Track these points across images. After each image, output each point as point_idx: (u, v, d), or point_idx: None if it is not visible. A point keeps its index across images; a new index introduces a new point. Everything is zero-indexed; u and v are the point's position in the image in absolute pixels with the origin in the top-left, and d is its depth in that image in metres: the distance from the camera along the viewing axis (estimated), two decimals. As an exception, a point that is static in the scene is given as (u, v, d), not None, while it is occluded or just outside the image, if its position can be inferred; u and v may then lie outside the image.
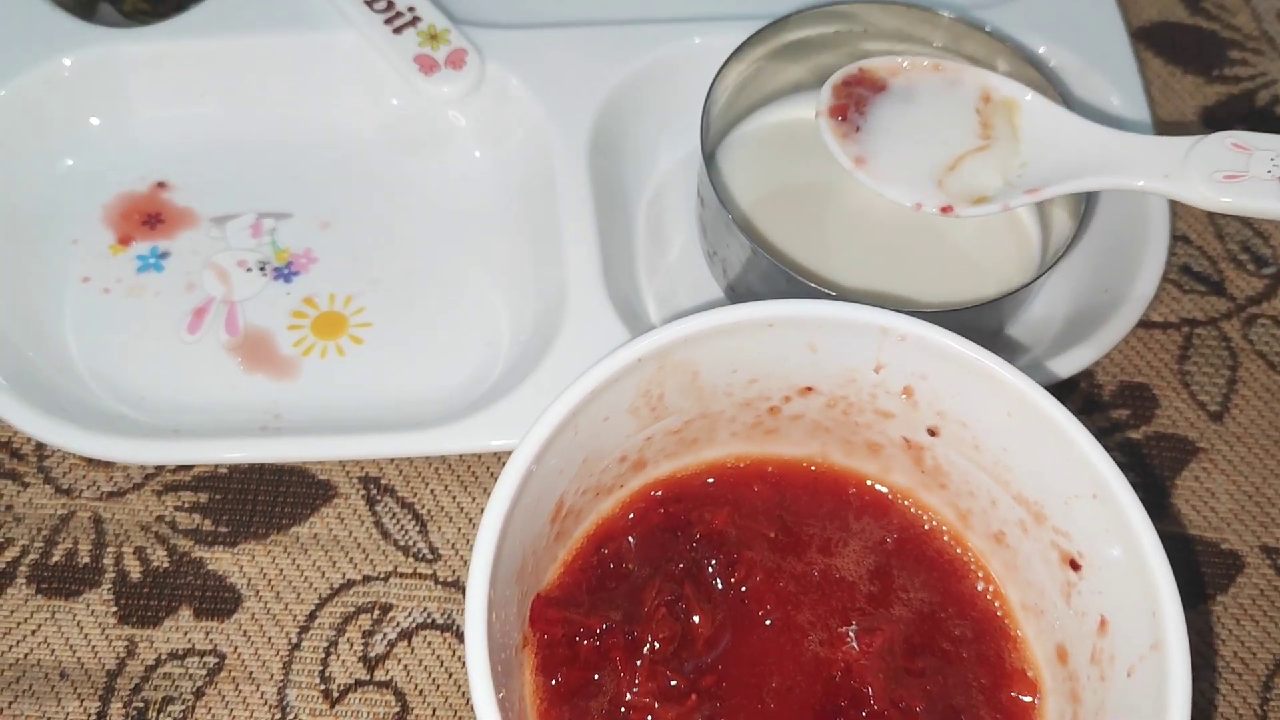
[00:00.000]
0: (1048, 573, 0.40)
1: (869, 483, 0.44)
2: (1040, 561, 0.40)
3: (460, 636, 0.45)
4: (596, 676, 0.39)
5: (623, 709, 0.38)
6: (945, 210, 0.47)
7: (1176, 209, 0.54)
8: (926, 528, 0.43)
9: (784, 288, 0.46)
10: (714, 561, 0.41)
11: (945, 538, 0.43)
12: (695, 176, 0.52)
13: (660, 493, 0.43)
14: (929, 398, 0.40)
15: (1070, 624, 0.39)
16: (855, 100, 0.49)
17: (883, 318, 0.38)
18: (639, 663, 0.39)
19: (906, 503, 0.43)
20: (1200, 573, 0.47)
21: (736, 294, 0.50)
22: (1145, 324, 0.53)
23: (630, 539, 0.42)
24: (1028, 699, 0.40)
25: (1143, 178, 0.45)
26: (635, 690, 0.38)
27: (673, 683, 0.39)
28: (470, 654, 0.32)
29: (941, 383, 0.40)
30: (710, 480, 0.44)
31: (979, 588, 0.42)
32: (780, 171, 0.52)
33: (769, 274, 0.46)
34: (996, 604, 0.42)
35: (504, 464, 0.35)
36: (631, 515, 0.43)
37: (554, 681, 0.39)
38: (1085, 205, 0.48)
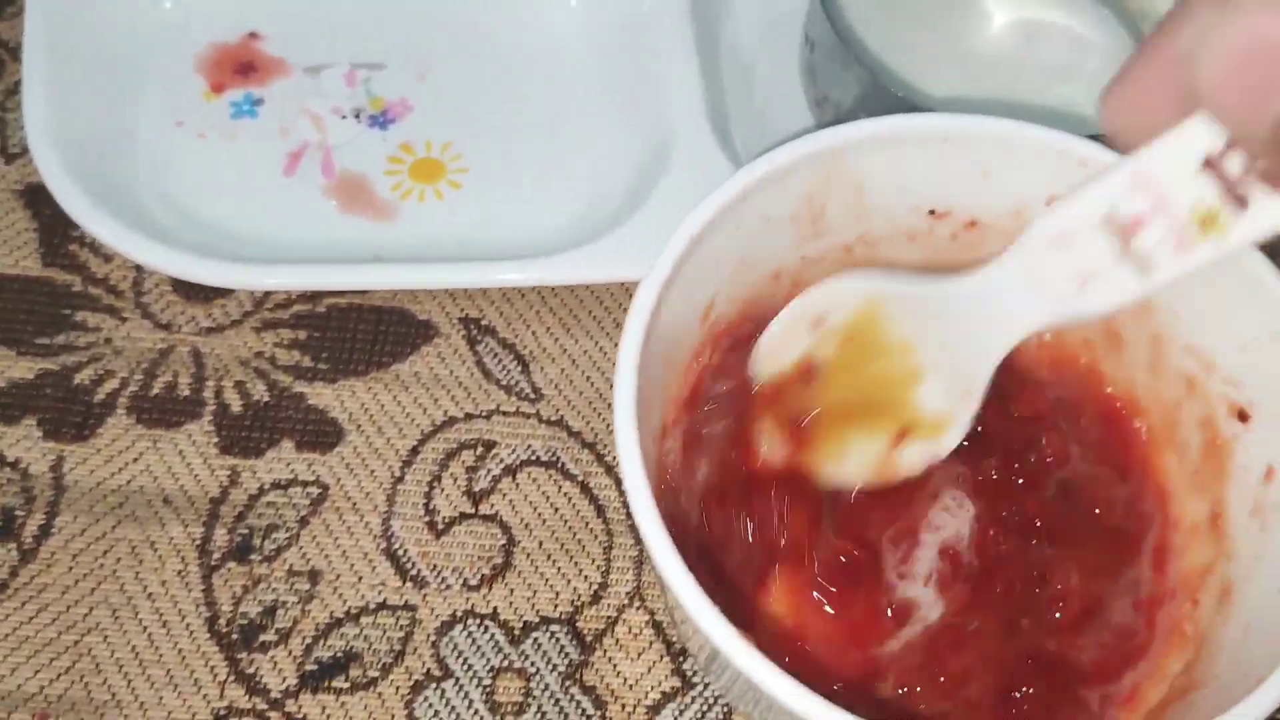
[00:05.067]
0: (1207, 431, 0.38)
1: None
2: (1198, 423, 0.38)
3: (565, 474, 0.44)
4: None
5: None
6: None
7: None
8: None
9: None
10: None
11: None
12: (779, 25, 0.51)
13: None
14: None
15: (1230, 479, 0.37)
16: None
17: (1060, 140, 0.36)
18: None
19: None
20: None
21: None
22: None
23: None
24: None
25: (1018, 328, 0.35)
26: None
27: None
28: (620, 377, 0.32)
29: None
30: None
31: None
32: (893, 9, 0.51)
33: (890, 110, 0.45)
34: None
35: (631, 295, 0.33)
36: None
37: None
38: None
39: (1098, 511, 0.38)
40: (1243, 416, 0.36)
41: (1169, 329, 0.38)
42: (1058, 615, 0.36)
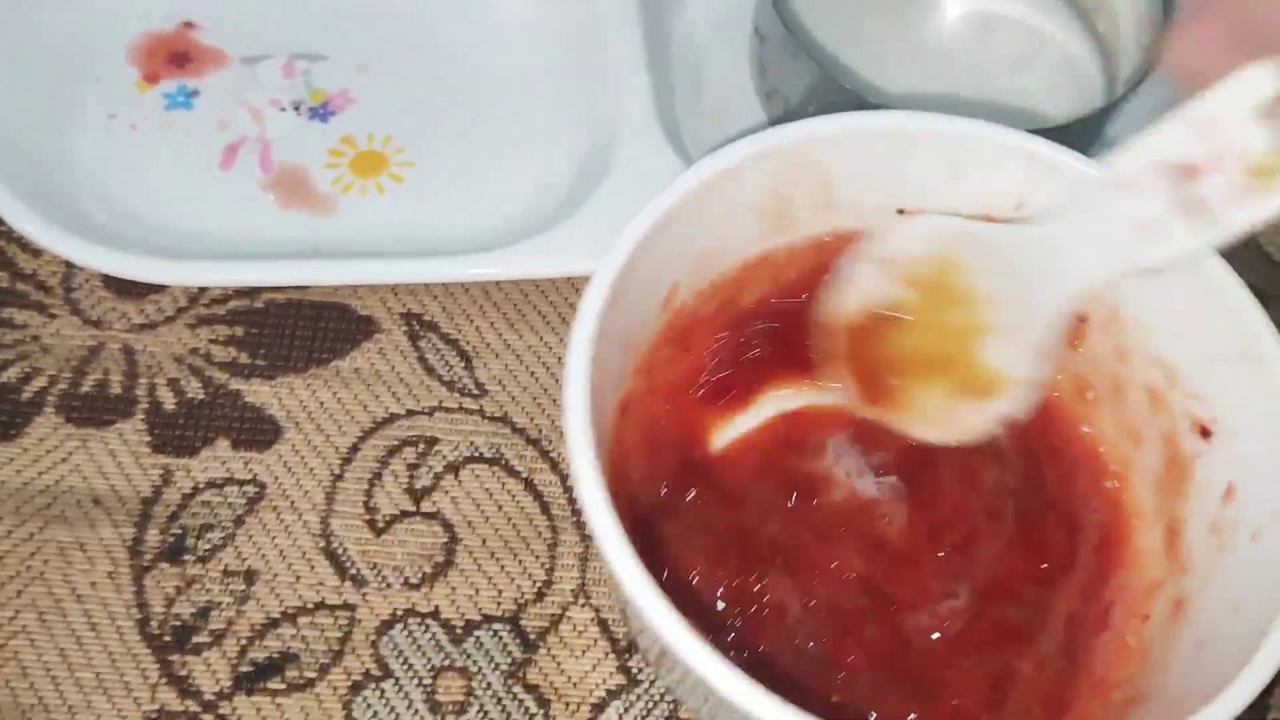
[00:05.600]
0: (1169, 447, 0.37)
1: None
2: (1160, 437, 0.37)
3: (509, 470, 0.43)
4: None
5: None
6: None
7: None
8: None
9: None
10: None
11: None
12: (732, 19, 0.51)
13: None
14: None
15: (1189, 497, 0.36)
16: None
17: (1031, 144, 0.35)
18: None
19: None
20: None
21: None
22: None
23: None
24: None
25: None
26: None
27: None
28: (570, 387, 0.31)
29: None
30: None
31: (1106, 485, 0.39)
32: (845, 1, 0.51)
33: (838, 104, 0.45)
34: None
35: (577, 290, 0.33)
36: None
37: None
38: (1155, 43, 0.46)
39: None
40: (1205, 433, 0.35)
41: (1136, 341, 0.37)
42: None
